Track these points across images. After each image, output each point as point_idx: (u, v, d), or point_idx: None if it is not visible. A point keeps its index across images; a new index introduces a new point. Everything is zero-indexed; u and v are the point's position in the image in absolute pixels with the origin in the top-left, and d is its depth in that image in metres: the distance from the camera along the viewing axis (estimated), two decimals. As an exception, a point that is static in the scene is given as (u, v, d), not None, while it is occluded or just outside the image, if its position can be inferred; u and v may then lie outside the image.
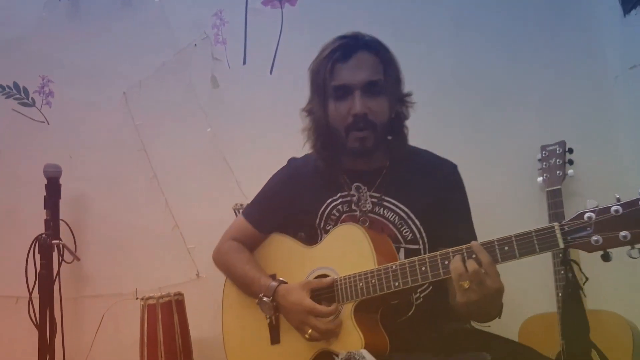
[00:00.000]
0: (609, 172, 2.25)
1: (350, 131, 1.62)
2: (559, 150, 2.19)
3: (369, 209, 1.69)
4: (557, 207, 2.10)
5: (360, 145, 1.63)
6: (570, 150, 2.18)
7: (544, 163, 2.20)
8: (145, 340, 2.05)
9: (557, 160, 2.17)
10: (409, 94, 1.73)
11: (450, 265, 1.35)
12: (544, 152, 2.22)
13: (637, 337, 2.00)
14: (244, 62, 2.56)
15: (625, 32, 2.26)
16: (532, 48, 2.40)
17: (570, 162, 2.17)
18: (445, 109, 2.37)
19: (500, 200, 2.30)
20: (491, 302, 1.37)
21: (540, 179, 2.20)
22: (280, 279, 1.69)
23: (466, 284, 1.31)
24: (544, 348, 1.61)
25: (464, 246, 1.35)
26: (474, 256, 1.32)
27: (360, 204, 1.70)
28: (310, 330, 1.56)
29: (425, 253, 1.63)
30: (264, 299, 1.66)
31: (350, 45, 1.62)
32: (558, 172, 2.15)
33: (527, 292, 2.20)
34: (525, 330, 2.12)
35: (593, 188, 2.21)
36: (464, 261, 1.33)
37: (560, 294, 2.04)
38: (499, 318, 1.49)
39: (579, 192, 2.20)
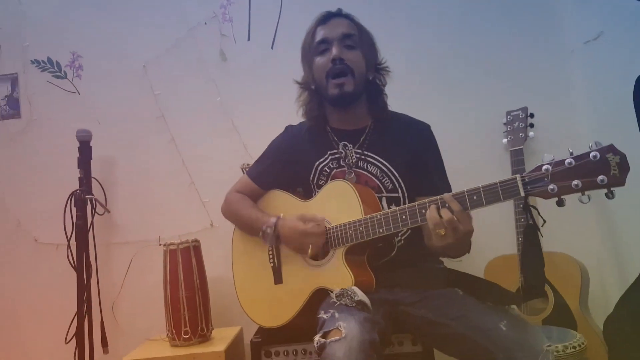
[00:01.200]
0: (564, 134, 2.29)
1: (329, 78, 1.66)
2: (521, 115, 2.20)
3: (354, 164, 1.71)
4: (519, 164, 2.13)
5: (340, 91, 1.66)
6: (532, 115, 2.20)
7: (509, 126, 2.22)
8: (168, 279, 2.07)
9: (520, 123, 2.19)
10: (384, 64, 1.77)
11: (427, 215, 1.38)
12: (508, 117, 2.24)
13: (585, 274, 2.06)
14: (249, 38, 2.54)
15: (581, 10, 2.26)
16: (498, 24, 2.42)
17: (532, 125, 2.19)
18: (422, 78, 2.38)
19: (471, 159, 2.33)
20: (463, 242, 1.42)
21: (505, 140, 2.22)
22: (280, 215, 1.72)
23: (442, 232, 1.35)
24: (505, 284, 1.66)
25: (437, 197, 1.38)
26: (447, 206, 1.35)
27: (347, 160, 1.72)
28: (310, 248, 1.60)
29: (404, 200, 1.69)
30: (267, 230, 1.69)
31: (330, 13, 1.74)
32: (521, 134, 2.17)
33: (492, 237, 2.24)
34: (490, 269, 2.17)
35: (551, 148, 2.22)
36: (438, 210, 1.36)
37: (520, 238, 2.08)
38: (469, 253, 1.53)
39: (538, 151, 2.24)
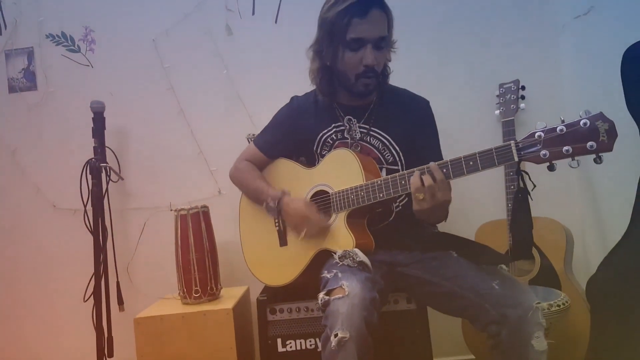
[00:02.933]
0: (554, 106, 2.27)
1: (360, 78, 1.61)
2: (513, 87, 2.18)
3: (358, 137, 1.70)
4: (510, 134, 2.13)
5: (365, 90, 1.64)
6: (523, 88, 2.18)
7: (501, 98, 2.21)
8: (179, 243, 2.08)
9: (512, 96, 2.17)
10: (394, 42, 1.71)
11: (410, 180, 1.39)
12: (501, 89, 2.22)
13: (570, 238, 2.07)
14: (253, 13, 2.49)
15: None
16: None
17: (523, 97, 2.17)
18: (418, 52, 2.34)
19: (465, 129, 2.32)
20: (440, 210, 1.42)
21: (497, 111, 2.21)
22: (285, 189, 1.71)
23: (421, 196, 1.36)
24: (495, 247, 1.65)
25: (424, 166, 1.38)
26: (431, 173, 1.35)
27: (351, 133, 1.71)
28: (304, 232, 1.62)
29: None
30: (271, 204, 1.69)
31: (366, 2, 1.54)
32: (512, 106, 2.16)
33: (483, 202, 2.25)
34: (480, 233, 2.18)
35: (540, 119, 2.18)
36: (421, 177, 1.36)
37: (510, 204, 2.08)
38: (445, 222, 1.56)
39: (529, 122, 2.23)
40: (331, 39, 1.60)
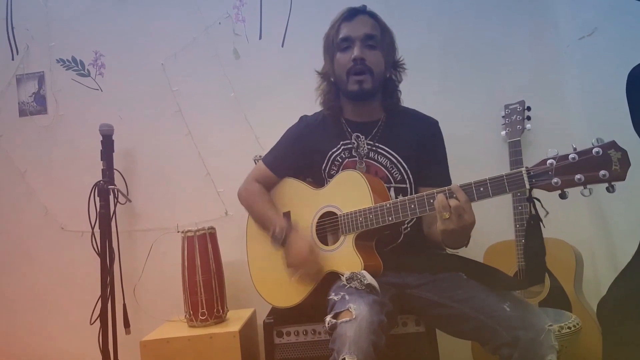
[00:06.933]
0: (559, 126, 2.24)
1: (350, 75, 1.62)
2: (519, 108, 2.16)
3: (366, 154, 1.68)
4: (517, 155, 2.10)
5: (359, 88, 1.63)
6: (529, 108, 2.16)
7: (507, 119, 2.19)
8: (186, 264, 2.06)
9: (518, 116, 2.15)
10: (401, 61, 1.71)
11: (436, 200, 1.35)
12: (506, 110, 2.20)
13: (579, 259, 2.03)
14: (260, 37, 2.51)
15: (576, 6, 2.22)
16: (498, 21, 2.36)
17: (528, 118, 2.15)
18: (423, 74, 2.32)
19: (472, 150, 2.29)
20: (464, 233, 1.38)
21: (503, 132, 2.19)
22: (293, 221, 1.70)
23: (447, 215, 1.32)
24: (503, 268, 1.62)
25: (445, 187, 1.35)
26: (454, 195, 1.32)
27: (359, 150, 1.69)
28: (297, 275, 1.64)
29: (411, 191, 1.66)
30: (278, 234, 1.68)
31: (355, 10, 1.67)
32: (518, 126, 2.13)
33: (491, 223, 2.20)
34: (489, 254, 2.14)
35: (546, 139, 2.21)
36: (446, 198, 1.33)
37: (518, 225, 2.05)
38: (466, 247, 1.50)
39: (535, 143, 2.21)
40: (328, 51, 1.70)
